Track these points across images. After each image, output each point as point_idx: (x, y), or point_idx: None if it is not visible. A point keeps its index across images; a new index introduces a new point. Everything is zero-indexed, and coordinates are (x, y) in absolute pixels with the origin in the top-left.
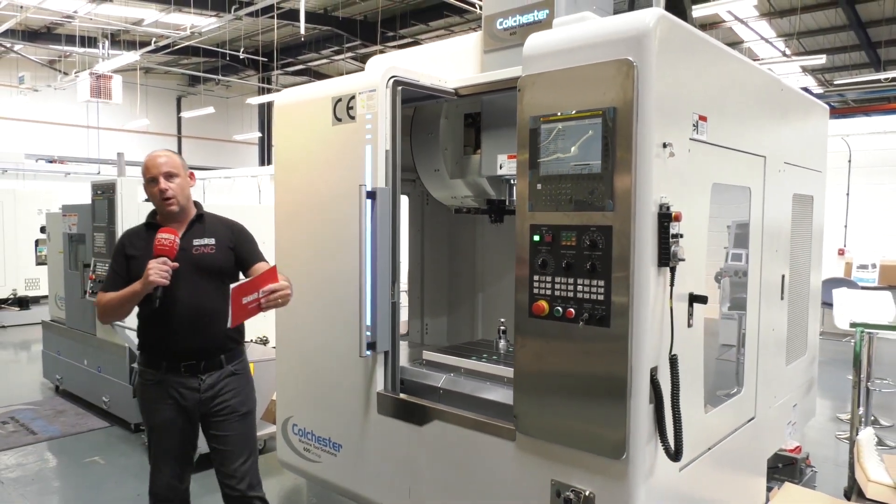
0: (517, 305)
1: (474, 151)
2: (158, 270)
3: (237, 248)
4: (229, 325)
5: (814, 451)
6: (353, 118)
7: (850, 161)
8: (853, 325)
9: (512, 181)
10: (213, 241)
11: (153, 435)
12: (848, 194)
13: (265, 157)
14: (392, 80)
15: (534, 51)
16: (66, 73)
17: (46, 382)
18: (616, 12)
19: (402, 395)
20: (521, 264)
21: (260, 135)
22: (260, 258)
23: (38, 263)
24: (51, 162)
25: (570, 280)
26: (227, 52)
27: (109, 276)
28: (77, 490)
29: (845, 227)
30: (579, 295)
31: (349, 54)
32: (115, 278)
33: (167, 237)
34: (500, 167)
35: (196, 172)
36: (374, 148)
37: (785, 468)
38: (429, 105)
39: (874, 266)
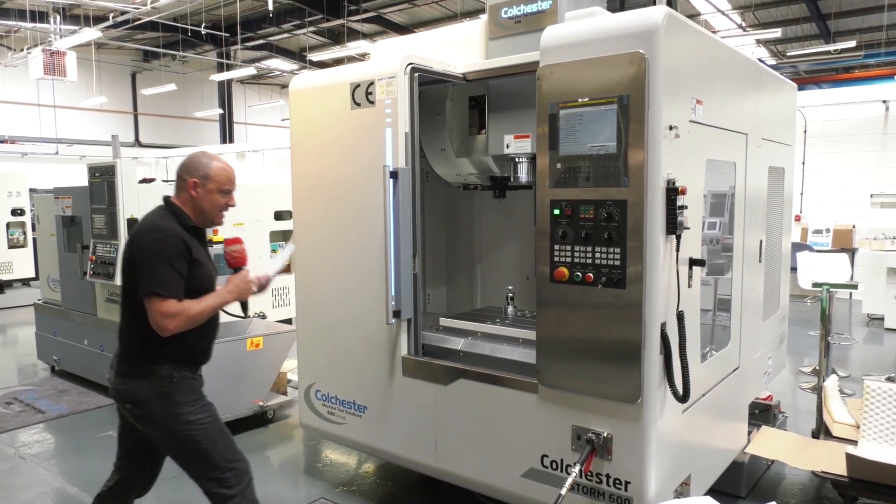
0: (538, 272)
1: (478, 132)
2: (251, 283)
3: None
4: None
5: (781, 400)
6: (372, 103)
7: (805, 131)
8: (816, 284)
9: (517, 159)
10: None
11: (214, 424)
12: (804, 163)
13: (227, 135)
14: (410, 67)
15: (551, 42)
16: (13, 49)
17: (40, 364)
18: (608, 2)
19: (426, 358)
20: (541, 235)
21: (221, 111)
22: None
23: (11, 247)
24: (2, 142)
25: (589, 248)
26: (186, 26)
27: (174, 282)
28: (100, 462)
29: (801, 194)
30: (597, 261)
31: (311, 28)
32: (181, 284)
33: (241, 248)
34: (507, 146)
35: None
36: (394, 131)
37: (761, 414)
38: (434, 88)
39: (828, 231)
